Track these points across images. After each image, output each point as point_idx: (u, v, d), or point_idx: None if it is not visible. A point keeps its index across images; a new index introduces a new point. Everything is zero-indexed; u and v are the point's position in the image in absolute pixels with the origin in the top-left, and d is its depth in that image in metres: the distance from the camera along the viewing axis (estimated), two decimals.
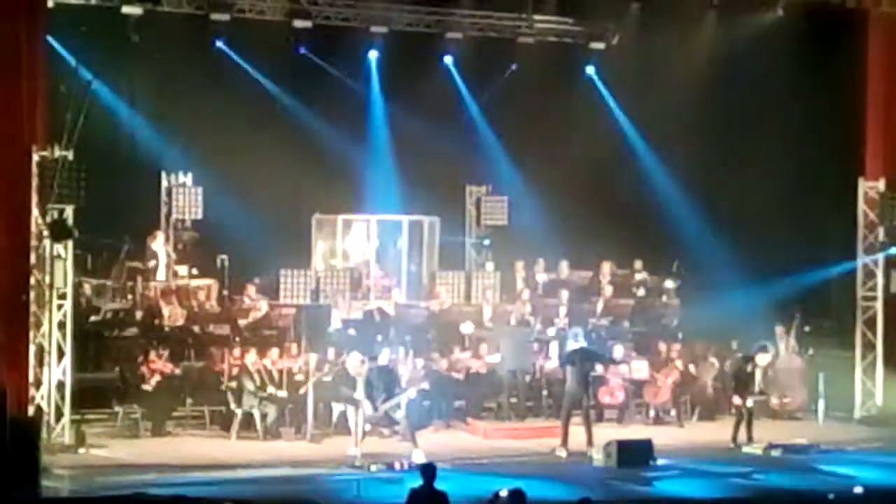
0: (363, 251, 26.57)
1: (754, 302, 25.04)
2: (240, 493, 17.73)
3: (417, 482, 15.42)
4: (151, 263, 24.61)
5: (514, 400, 23.66)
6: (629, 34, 27.29)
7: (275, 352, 22.52)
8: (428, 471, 15.10)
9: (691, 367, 24.33)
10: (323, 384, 22.03)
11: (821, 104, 25.67)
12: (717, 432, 22.85)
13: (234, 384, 22.10)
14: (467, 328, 24.36)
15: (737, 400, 22.09)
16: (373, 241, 26.57)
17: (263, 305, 23.94)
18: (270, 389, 21.99)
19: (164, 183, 25.27)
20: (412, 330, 24.10)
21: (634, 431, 22.64)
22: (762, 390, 22.50)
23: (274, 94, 26.25)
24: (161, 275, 24.64)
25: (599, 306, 25.68)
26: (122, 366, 22.58)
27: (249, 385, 21.92)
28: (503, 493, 14.68)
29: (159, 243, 24.78)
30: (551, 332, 24.36)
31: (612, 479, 19.68)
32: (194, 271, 24.94)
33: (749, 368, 22.19)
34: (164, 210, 25.30)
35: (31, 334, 20.52)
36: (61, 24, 22.80)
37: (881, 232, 24.66)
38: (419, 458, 19.77)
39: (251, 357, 22.23)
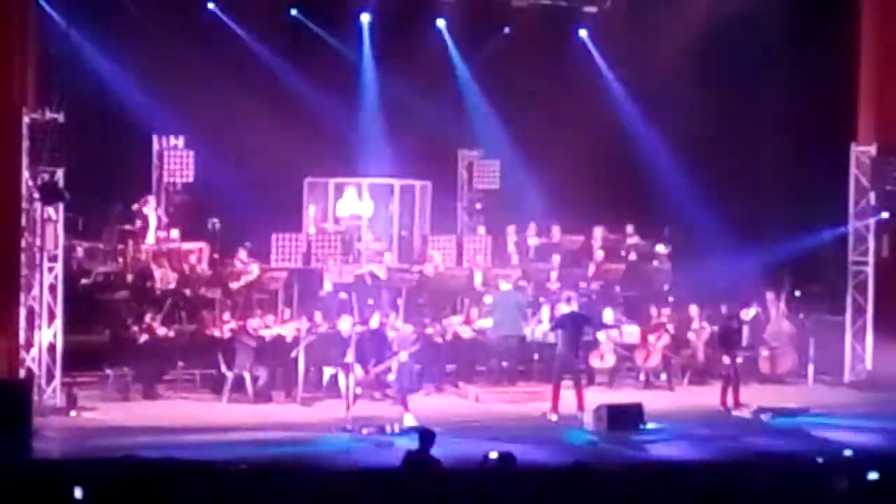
0: (354, 215, 26.53)
1: (745, 266, 25.06)
2: (231, 456, 17.72)
3: (412, 445, 15.49)
4: (141, 225, 24.58)
5: (505, 364, 23.66)
6: None
7: (270, 318, 22.54)
8: (427, 436, 15.16)
9: (690, 335, 24.35)
10: (314, 347, 22.04)
11: (814, 69, 25.62)
12: (707, 396, 22.89)
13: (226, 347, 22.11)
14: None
15: (726, 359, 22.09)
16: (364, 204, 26.52)
17: (255, 269, 23.93)
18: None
19: (156, 146, 25.23)
20: (403, 294, 24.12)
21: (625, 395, 22.68)
22: (750, 345, 22.52)
23: (265, 56, 26.16)
24: (152, 238, 24.62)
25: (591, 270, 25.70)
26: (113, 328, 22.58)
27: (250, 342, 21.90)
28: (493, 456, 14.74)
29: (150, 207, 24.75)
30: (542, 296, 24.37)
31: (602, 442, 19.74)
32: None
33: (735, 325, 22.21)
34: (155, 173, 25.25)
35: (22, 297, 20.52)
36: None
37: (872, 197, 24.65)
38: (410, 421, 19.84)
39: (252, 324, 22.21)
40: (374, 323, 21.51)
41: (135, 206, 24.80)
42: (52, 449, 18.54)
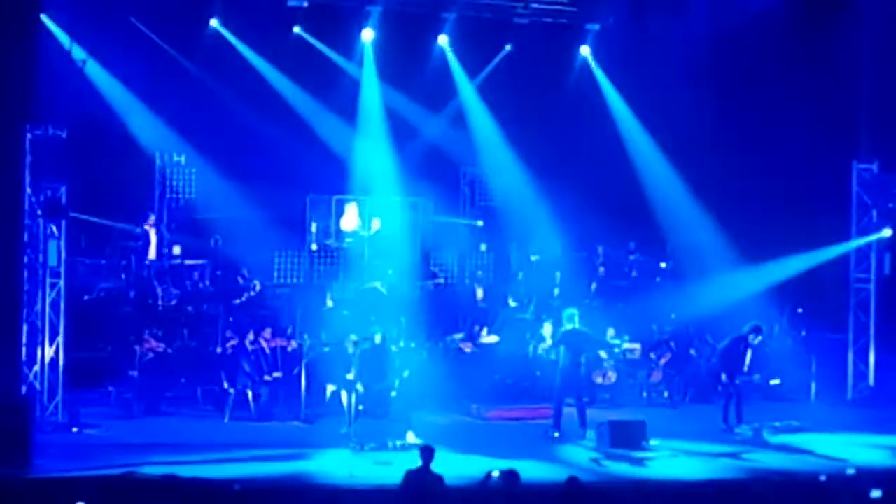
0: (357, 231, 26.55)
1: (747, 283, 25.06)
2: (233, 473, 17.75)
3: (414, 463, 15.49)
4: (142, 242, 24.61)
5: (508, 381, 23.64)
6: (624, 15, 27.25)
7: (269, 332, 22.53)
8: (427, 453, 15.16)
9: (692, 352, 24.34)
10: (316, 364, 22.03)
11: (815, 85, 25.66)
12: (709, 413, 22.84)
13: (228, 364, 22.11)
14: None
15: (724, 377, 22.01)
16: (367, 221, 26.54)
17: (257, 285, 23.94)
18: (265, 370, 22.00)
19: (159, 162, 25.27)
20: (406, 310, 24.11)
21: (627, 412, 22.65)
22: (750, 371, 22.45)
23: (268, 74, 26.21)
24: (153, 254, 24.64)
25: (593, 287, 25.70)
26: (116, 345, 22.57)
27: (245, 366, 21.92)
28: (496, 474, 14.72)
29: (150, 222, 24.78)
30: (545, 313, 24.38)
31: (604, 459, 19.72)
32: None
33: (741, 348, 22.15)
34: (158, 190, 25.28)
35: (25, 313, 20.51)
36: (56, 2, 22.73)
37: (875, 214, 24.68)
38: (412, 438, 19.82)
39: (249, 338, 22.21)
40: (376, 340, 21.49)
41: (141, 227, 24.81)
42: (54, 466, 18.49)
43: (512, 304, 24.10)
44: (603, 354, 23.51)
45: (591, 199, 26.38)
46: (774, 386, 24.49)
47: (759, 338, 22.33)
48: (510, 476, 14.50)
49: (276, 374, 22.09)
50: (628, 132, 27.79)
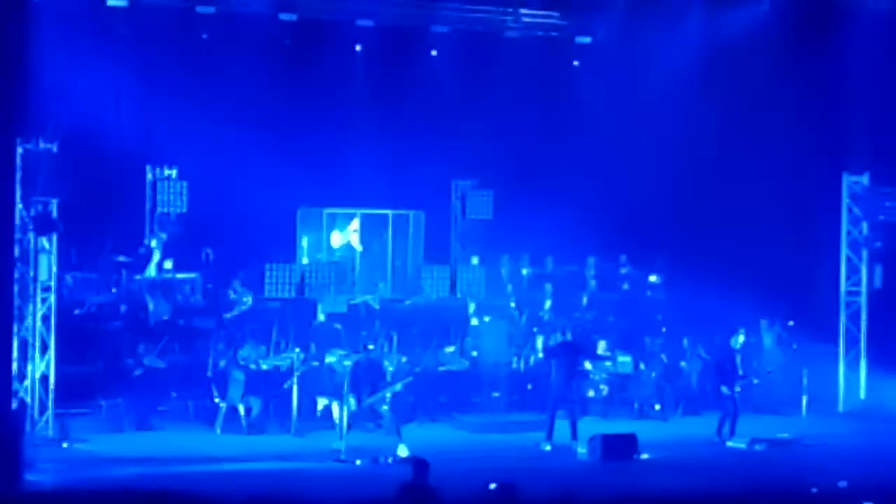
0: (348, 245, 26.55)
1: (739, 296, 25.06)
2: (224, 488, 17.72)
3: (407, 477, 15.45)
4: (146, 259, 24.62)
5: (498, 394, 23.64)
6: (616, 28, 27.29)
7: (262, 349, 22.52)
8: (420, 466, 15.11)
9: (683, 365, 24.34)
10: (308, 378, 22.00)
11: (807, 98, 25.71)
12: (701, 426, 22.87)
13: (220, 378, 22.09)
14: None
15: (725, 390, 21.95)
16: (358, 234, 26.53)
17: (249, 299, 23.93)
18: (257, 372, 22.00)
19: (149, 176, 25.24)
20: (397, 324, 24.10)
21: (619, 425, 22.64)
22: (745, 374, 22.43)
23: (259, 86, 26.20)
24: (153, 271, 24.61)
25: (584, 300, 25.70)
26: (107, 359, 22.52)
27: (239, 375, 21.87)
28: (492, 487, 14.68)
29: (157, 242, 24.79)
30: (536, 326, 24.38)
31: (596, 472, 19.70)
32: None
33: (728, 355, 22.15)
34: (149, 203, 25.26)
35: (15, 328, 20.46)
36: (46, 15, 22.71)
37: (865, 226, 24.72)
38: (404, 452, 19.80)
39: (244, 352, 22.18)
40: (367, 353, 21.49)
41: (146, 247, 24.83)
42: (45, 480, 18.44)
43: (486, 317, 24.11)
44: (594, 367, 23.51)
45: (582, 211, 26.35)
46: (766, 396, 24.48)
47: (741, 338, 22.27)
48: (508, 489, 14.45)
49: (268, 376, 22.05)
50: (619, 145, 27.77)
